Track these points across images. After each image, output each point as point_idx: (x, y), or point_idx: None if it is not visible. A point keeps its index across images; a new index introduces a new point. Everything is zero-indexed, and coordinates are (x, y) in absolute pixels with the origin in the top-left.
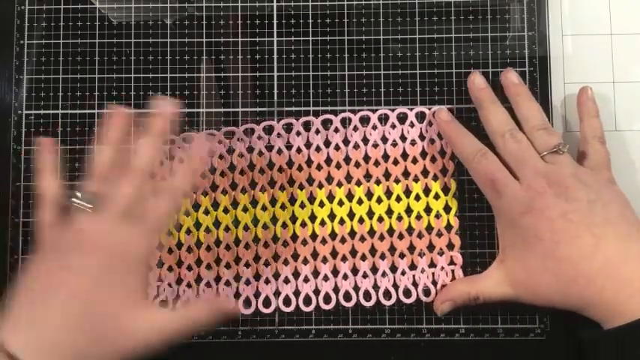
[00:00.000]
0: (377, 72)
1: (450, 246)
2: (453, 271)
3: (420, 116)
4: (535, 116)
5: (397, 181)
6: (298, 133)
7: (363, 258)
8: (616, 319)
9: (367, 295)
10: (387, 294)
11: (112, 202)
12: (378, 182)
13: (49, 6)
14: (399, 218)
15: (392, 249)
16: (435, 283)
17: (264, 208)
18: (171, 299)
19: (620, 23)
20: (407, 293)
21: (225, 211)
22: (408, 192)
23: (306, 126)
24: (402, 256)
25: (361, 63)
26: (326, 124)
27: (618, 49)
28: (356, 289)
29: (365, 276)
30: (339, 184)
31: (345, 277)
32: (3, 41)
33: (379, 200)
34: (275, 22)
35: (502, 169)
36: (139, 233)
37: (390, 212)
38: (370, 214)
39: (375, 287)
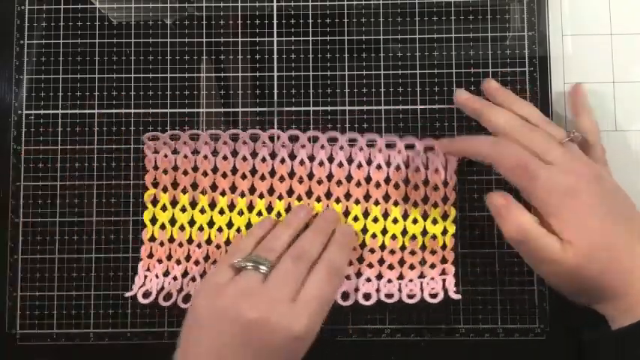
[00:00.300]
0: (377, 72)
1: (444, 260)
2: (444, 281)
3: (428, 147)
4: (534, 111)
5: (396, 203)
6: (303, 146)
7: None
8: (627, 317)
9: (367, 296)
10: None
11: (281, 278)
12: (376, 203)
13: (49, 6)
14: (393, 237)
15: (381, 261)
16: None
17: (259, 214)
18: (156, 290)
19: (620, 23)
20: (390, 296)
21: (221, 212)
22: (405, 215)
23: (313, 139)
24: (391, 267)
25: (361, 63)
26: (331, 140)
27: (618, 49)
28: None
29: (368, 280)
30: (337, 201)
31: (348, 277)
32: (3, 41)
33: (375, 220)
34: (275, 22)
35: (527, 151)
36: (298, 313)
37: (384, 232)
38: (364, 230)
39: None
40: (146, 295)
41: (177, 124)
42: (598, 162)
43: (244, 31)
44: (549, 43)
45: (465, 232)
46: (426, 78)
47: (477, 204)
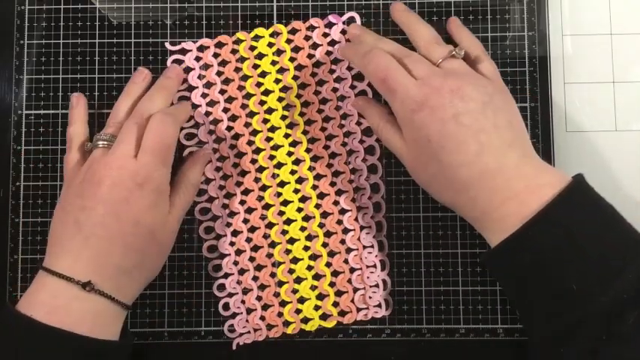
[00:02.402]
0: None
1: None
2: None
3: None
4: (428, 32)
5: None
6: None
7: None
8: (492, 228)
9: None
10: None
11: (123, 141)
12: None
13: (49, 6)
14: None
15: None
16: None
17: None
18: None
19: (620, 23)
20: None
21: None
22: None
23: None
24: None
25: None
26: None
27: (618, 49)
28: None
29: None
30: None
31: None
32: (3, 41)
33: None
34: (275, 22)
35: (396, 65)
36: (149, 162)
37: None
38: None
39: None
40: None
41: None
42: (491, 78)
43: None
44: (549, 43)
45: (466, 233)
46: None
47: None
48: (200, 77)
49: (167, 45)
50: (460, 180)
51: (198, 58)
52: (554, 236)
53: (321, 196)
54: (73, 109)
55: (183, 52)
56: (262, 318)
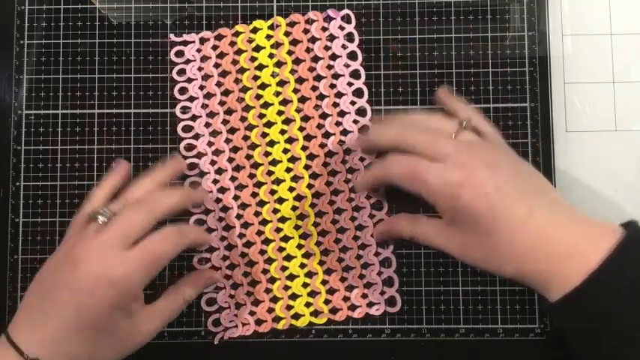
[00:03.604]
0: (377, 72)
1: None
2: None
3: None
4: (423, 114)
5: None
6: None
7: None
8: (552, 284)
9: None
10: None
11: (116, 228)
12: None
13: (49, 6)
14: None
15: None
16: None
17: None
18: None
19: (620, 23)
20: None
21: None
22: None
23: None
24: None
25: (361, 63)
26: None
27: (618, 49)
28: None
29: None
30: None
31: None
32: (3, 41)
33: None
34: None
35: (417, 158)
36: (132, 265)
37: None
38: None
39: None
40: None
41: (177, 123)
42: (495, 141)
43: None
44: (549, 43)
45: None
46: (426, 78)
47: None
48: (199, 69)
49: (171, 36)
50: (519, 246)
51: (199, 50)
52: (618, 289)
53: (316, 195)
54: (111, 175)
55: (185, 44)
56: (252, 313)
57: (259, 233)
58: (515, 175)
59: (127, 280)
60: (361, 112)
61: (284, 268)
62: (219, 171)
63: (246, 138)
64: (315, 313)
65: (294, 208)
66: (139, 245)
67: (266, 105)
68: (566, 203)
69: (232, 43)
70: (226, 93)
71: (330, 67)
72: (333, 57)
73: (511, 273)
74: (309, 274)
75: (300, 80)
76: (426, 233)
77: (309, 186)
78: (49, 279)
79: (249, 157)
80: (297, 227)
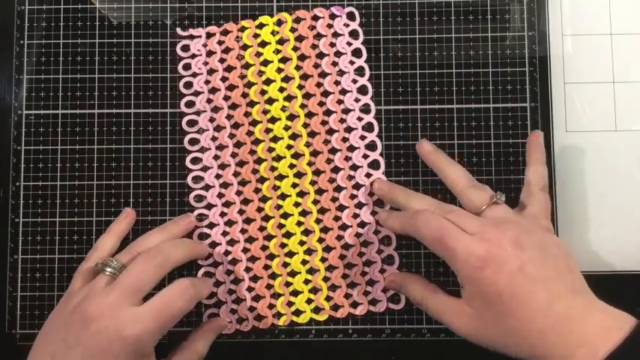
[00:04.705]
0: (377, 72)
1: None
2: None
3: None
4: (462, 176)
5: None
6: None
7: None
8: None
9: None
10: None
11: (127, 283)
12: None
13: (49, 6)
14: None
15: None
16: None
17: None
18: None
19: (620, 23)
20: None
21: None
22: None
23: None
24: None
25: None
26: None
27: (618, 49)
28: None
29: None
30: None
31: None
32: (3, 41)
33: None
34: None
35: (449, 224)
36: (146, 322)
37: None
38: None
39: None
40: None
41: (178, 123)
42: (538, 216)
43: None
44: (549, 43)
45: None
46: (426, 78)
47: None
48: (205, 64)
49: (177, 30)
50: (536, 330)
51: (205, 45)
52: None
53: (319, 192)
54: (117, 223)
55: (192, 38)
56: (252, 309)
57: (261, 229)
58: (540, 256)
59: (142, 337)
60: (365, 109)
61: (286, 265)
62: (223, 166)
63: (249, 133)
64: (317, 310)
65: (296, 205)
66: (153, 301)
67: (270, 101)
68: (586, 288)
69: (238, 39)
70: (231, 88)
71: (335, 64)
72: (338, 54)
73: (527, 354)
74: (311, 271)
75: (304, 77)
76: (443, 312)
77: (312, 182)
78: (58, 337)
79: (252, 152)
80: (299, 223)
